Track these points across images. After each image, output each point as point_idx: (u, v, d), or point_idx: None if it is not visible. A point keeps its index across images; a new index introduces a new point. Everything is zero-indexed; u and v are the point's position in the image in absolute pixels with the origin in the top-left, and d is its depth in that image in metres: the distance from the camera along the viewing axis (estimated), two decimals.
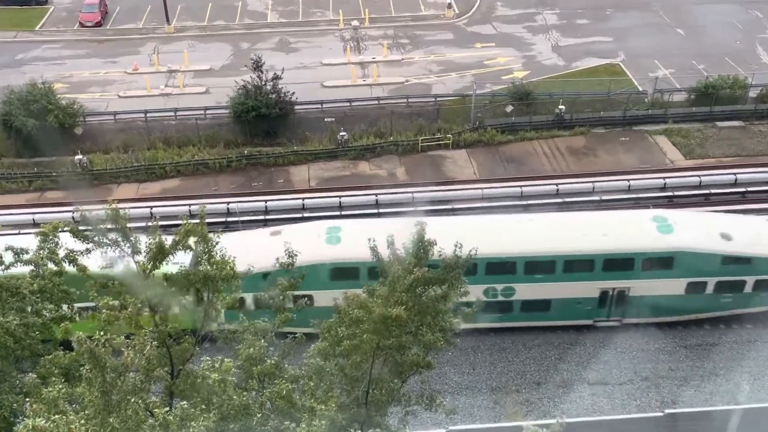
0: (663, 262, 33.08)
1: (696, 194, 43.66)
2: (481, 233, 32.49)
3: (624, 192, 43.86)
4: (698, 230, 34.12)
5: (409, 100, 53.30)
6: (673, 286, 33.63)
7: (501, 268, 32.95)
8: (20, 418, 18.57)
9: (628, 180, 44.44)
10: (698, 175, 44.63)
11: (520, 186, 44.11)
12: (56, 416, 13.63)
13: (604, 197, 43.19)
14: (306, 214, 42.47)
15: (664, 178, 44.63)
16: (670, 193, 43.56)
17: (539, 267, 33.12)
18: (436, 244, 20.21)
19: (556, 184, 44.16)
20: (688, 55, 58.56)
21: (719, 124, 51.10)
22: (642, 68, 56.77)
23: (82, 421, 13.79)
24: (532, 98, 51.34)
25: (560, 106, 50.79)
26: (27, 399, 16.87)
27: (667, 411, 27.68)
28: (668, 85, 53.66)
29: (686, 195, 43.47)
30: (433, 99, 53.46)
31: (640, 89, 53.64)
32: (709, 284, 33.75)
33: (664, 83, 53.29)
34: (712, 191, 43.63)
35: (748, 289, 33.97)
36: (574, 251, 32.74)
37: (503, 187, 44.59)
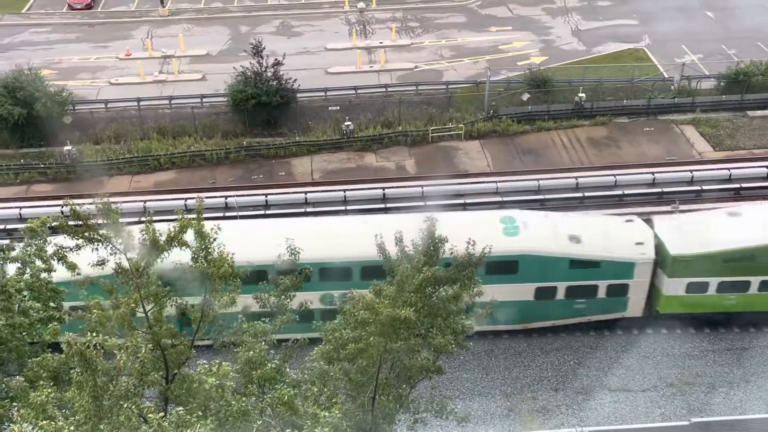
0: (507, 267, 32.74)
1: (726, 188, 43.44)
2: (318, 236, 32.43)
3: (648, 186, 43.69)
4: (545, 232, 33.91)
5: (419, 87, 53.23)
6: (520, 292, 33.51)
7: (337, 273, 32.29)
8: (6, 424, 18.65)
9: (653, 173, 44.26)
10: (728, 168, 44.40)
11: (537, 179, 44.02)
12: (44, 422, 13.68)
13: (627, 191, 43.05)
14: (309, 209, 42.52)
15: (691, 171, 44.40)
16: (698, 187, 43.35)
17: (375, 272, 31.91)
18: (447, 241, 20.20)
19: (576, 178, 44.04)
20: (717, 40, 58.28)
21: (750, 113, 50.86)
22: (668, 54, 56.53)
23: (72, 428, 13.82)
24: (550, 86, 51.18)
25: (580, 94, 50.62)
26: (14, 404, 16.95)
27: (694, 420, 27.62)
28: (696, 71, 53.41)
29: (715, 189, 43.24)
30: (445, 86, 53.38)
31: (666, 76, 53.43)
32: (559, 289, 33.66)
33: (691, 69, 53.04)
34: (743, 185, 43.40)
35: (601, 294, 33.92)
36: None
37: (519, 180, 44.49)
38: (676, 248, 33.52)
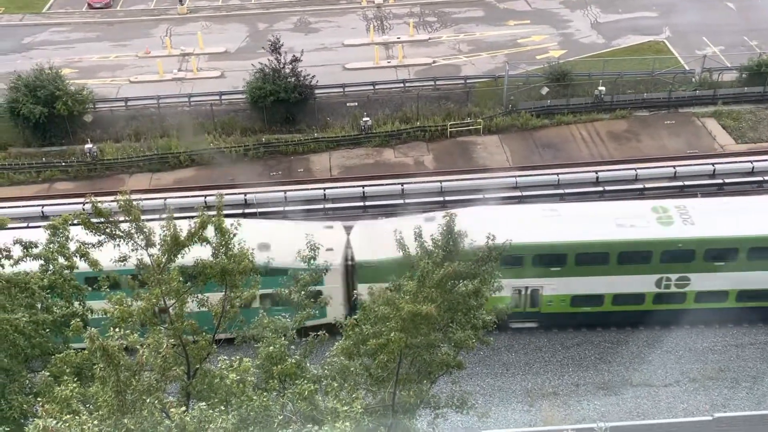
0: None
1: (748, 181, 42.96)
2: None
3: (669, 179, 43.33)
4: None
5: (437, 82, 53.09)
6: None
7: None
8: (30, 419, 18.87)
9: (674, 166, 43.89)
10: (750, 161, 43.93)
11: (557, 173, 43.79)
12: (68, 416, 13.82)
13: (648, 185, 42.71)
14: (328, 205, 42.58)
15: (713, 164, 43.97)
16: (720, 181, 42.90)
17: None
18: (467, 235, 20.15)
19: (596, 172, 43.75)
20: (738, 31, 57.60)
21: None
22: (689, 46, 55.97)
23: (96, 422, 13.96)
24: (569, 79, 50.89)
25: (600, 88, 50.25)
26: (38, 399, 17.13)
27: (717, 415, 27.29)
28: (717, 63, 52.83)
29: (737, 182, 42.78)
30: (463, 81, 53.20)
31: (687, 68, 52.92)
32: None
33: (712, 62, 52.48)
34: (766, 178, 42.90)
35: None
36: None
37: (538, 174, 44.29)
38: (361, 255, 33.47)
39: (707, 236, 32.84)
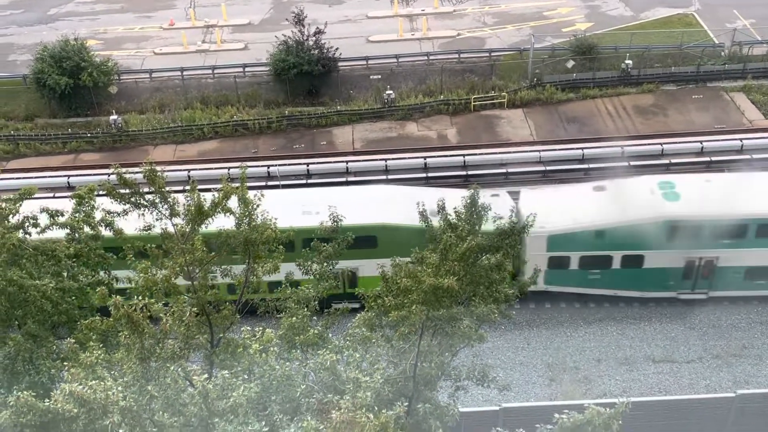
0: None
1: None
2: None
3: (696, 155, 42.71)
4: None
5: (461, 55, 52.58)
6: None
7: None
8: (57, 384, 19.19)
9: (701, 141, 43.25)
10: None
11: (582, 148, 43.35)
12: (94, 382, 14.02)
13: (674, 160, 42.15)
14: (350, 178, 42.53)
15: (741, 139, 43.27)
16: (748, 156, 42.22)
17: None
18: (491, 209, 20.03)
19: (621, 146, 43.23)
20: None
21: None
22: (719, 19, 54.89)
23: (120, 388, 14.16)
24: (595, 52, 50.18)
25: (627, 61, 49.51)
26: (64, 364, 17.39)
27: (740, 392, 27.07)
28: (748, 36, 51.79)
29: (766, 158, 42.07)
30: (487, 54, 52.62)
31: (716, 42, 51.94)
32: None
33: (743, 35, 51.45)
34: None
35: None
36: None
37: (563, 149, 43.87)
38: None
39: None
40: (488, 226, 20.58)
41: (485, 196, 34.40)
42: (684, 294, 34.52)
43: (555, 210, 33.02)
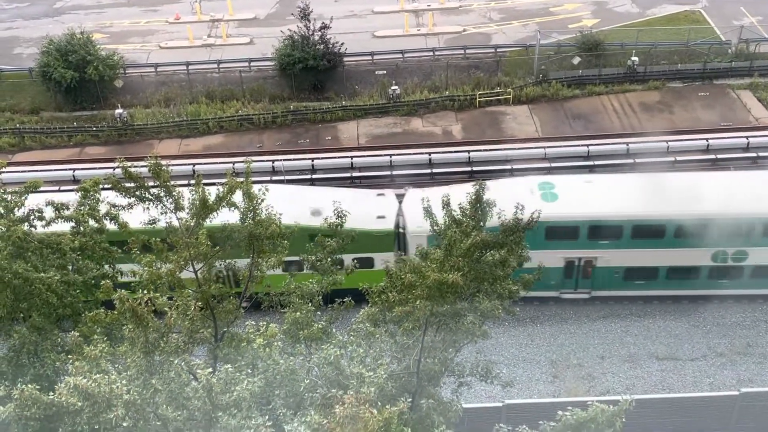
0: None
1: None
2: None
3: (702, 152, 42.58)
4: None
5: (467, 51, 52.45)
6: None
7: None
8: (62, 377, 19.22)
9: (707, 139, 43.11)
10: None
11: (587, 145, 43.25)
12: (98, 375, 14.03)
13: (679, 158, 42.02)
14: (355, 174, 42.51)
15: (747, 137, 43.12)
16: (754, 154, 42.09)
17: None
18: (495, 205, 20.00)
19: (626, 143, 43.12)
20: None
21: None
22: (725, 16, 54.65)
23: (124, 381, 14.17)
24: (602, 49, 50.02)
25: (633, 58, 49.34)
26: (69, 357, 17.41)
27: (744, 390, 27.02)
28: (755, 34, 51.56)
29: None
30: (493, 50, 52.51)
31: (723, 39, 51.74)
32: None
33: (750, 32, 51.24)
34: None
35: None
36: None
37: (568, 146, 43.78)
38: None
39: None
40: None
41: (371, 195, 34.61)
42: (567, 294, 34.64)
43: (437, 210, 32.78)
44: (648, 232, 32.52)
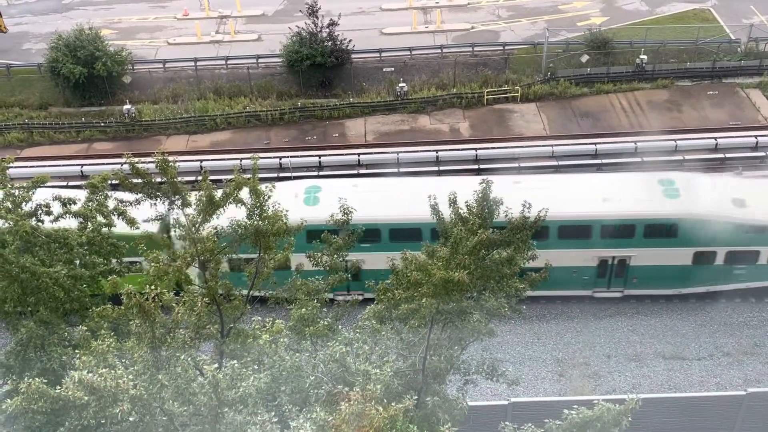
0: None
1: None
2: None
3: (710, 151, 42.42)
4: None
5: (475, 48, 52.35)
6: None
7: None
8: (68, 371, 19.31)
9: (716, 138, 42.94)
10: None
11: (595, 143, 43.13)
12: (104, 370, 14.10)
13: (688, 157, 41.88)
14: (362, 171, 42.51)
15: (756, 136, 42.92)
16: (763, 153, 41.89)
17: None
18: (502, 203, 19.96)
19: (635, 142, 42.99)
20: None
21: None
22: (735, 14, 54.40)
23: (131, 376, 14.23)
24: (610, 47, 49.84)
25: (641, 56, 49.15)
26: (76, 351, 17.49)
27: (751, 390, 26.93)
28: (765, 32, 51.30)
29: None
30: (501, 47, 52.40)
31: (733, 37, 51.47)
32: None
33: (760, 31, 50.99)
34: None
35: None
36: None
37: (576, 144, 43.67)
38: None
39: None
40: None
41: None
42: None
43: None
44: (405, 235, 31.82)
